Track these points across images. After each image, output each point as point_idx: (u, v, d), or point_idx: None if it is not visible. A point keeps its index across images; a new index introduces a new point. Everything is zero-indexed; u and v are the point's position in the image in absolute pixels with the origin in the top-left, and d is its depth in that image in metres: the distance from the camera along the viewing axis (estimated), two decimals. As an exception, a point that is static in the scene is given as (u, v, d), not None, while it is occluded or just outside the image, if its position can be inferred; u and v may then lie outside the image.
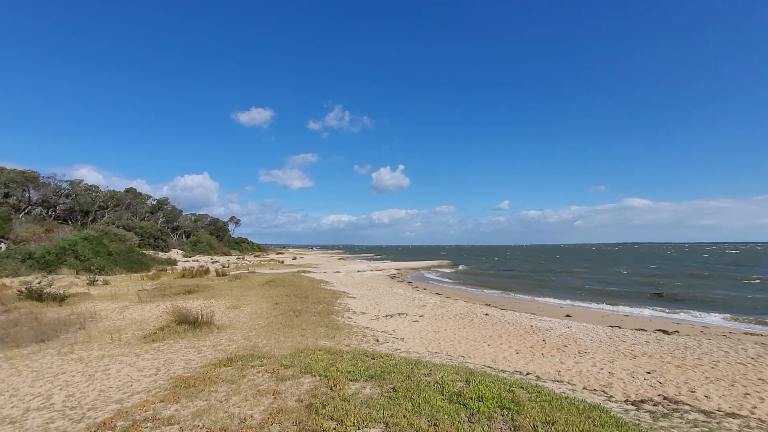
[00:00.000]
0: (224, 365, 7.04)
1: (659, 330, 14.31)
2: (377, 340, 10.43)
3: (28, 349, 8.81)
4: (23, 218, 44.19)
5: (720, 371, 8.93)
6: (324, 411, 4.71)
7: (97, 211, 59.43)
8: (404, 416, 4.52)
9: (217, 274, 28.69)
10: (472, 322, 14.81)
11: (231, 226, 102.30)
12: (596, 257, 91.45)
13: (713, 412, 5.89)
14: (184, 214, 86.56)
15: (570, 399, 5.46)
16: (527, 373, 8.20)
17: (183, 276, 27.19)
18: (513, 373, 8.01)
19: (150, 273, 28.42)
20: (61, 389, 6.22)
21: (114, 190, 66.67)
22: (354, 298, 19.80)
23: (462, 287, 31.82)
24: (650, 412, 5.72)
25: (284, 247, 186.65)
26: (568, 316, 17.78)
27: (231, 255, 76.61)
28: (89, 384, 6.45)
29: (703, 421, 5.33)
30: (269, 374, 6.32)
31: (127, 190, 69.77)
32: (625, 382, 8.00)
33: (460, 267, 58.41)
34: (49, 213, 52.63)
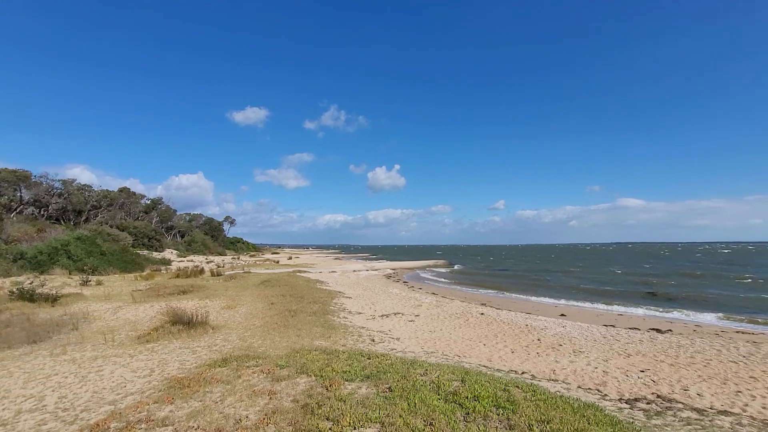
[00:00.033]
0: (219, 366, 7.00)
1: (653, 329, 14.45)
2: (373, 340, 10.43)
3: (20, 351, 8.70)
4: (14, 218, 43.66)
5: (712, 369, 9.03)
6: (320, 411, 4.70)
7: (90, 210, 58.83)
8: (400, 416, 4.52)
9: (212, 274, 28.54)
10: (467, 321, 14.85)
11: (226, 226, 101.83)
12: (591, 257, 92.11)
13: (706, 410, 5.95)
14: (178, 213, 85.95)
15: (565, 398, 5.49)
16: (522, 372, 8.23)
17: (177, 276, 27.00)
18: (508, 372, 8.05)
19: (144, 273, 28.19)
20: (53, 391, 6.16)
21: (107, 190, 66.07)
22: (350, 297, 19.78)
23: (458, 287, 31.90)
24: (644, 410, 5.77)
25: (280, 247, 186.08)
26: (562, 315, 17.89)
27: (226, 255, 76.23)
28: (82, 385, 6.38)
29: (695, 419, 5.38)
30: (265, 374, 6.29)
31: (121, 190, 69.14)
32: (619, 381, 8.06)
33: (456, 267, 58.57)
34: (41, 213, 52.03)
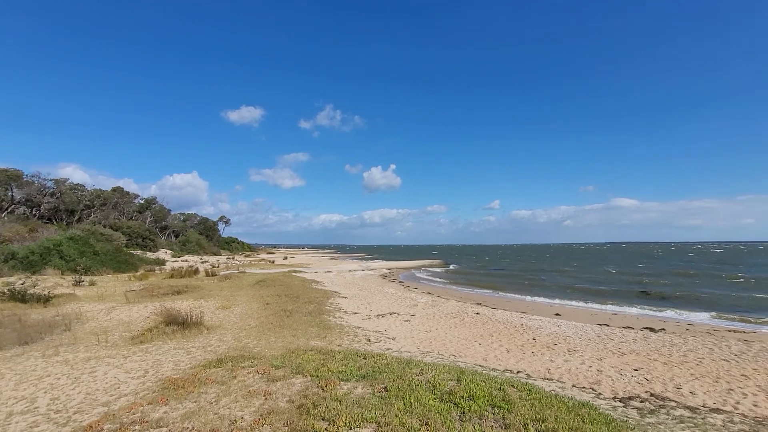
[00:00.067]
0: (214, 366, 6.96)
1: (646, 328, 14.57)
2: (369, 340, 10.42)
3: (11, 352, 8.59)
4: (6, 218, 43.17)
5: (705, 368, 9.13)
6: (315, 411, 4.69)
7: (82, 210, 58.29)
8: (396, 416, 4.52)
9: (207, 275, 28.37)
10: (463, 321, 14.89)
11: (221, 226, 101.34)
12: (585, 256, 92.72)
13: (698, 408, 6.01)
14: (172, 213, 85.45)
15: (559, 397, 5.53)
16: (518, 372, 8.27)
17: (172, 276, 26.81)
18: (504, 371, 8.08)
19: (138, 273, 27.97)
20: (45, 392, 6.09)
21: (100, 189, 65.47)
22: (345, 297, 19.75)
23: (453, 286, 31.97)
24: (638, 408, 5.81)
25: (275, 247, 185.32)
26: (557, 314, 17.99)
27: (221, 255, 75.86)
28: (75, 387, 6.32)
29: (688, 417, 5.43)
30: (260, 375, 6.27)
31: (114, 189, 68.55)
32: (613, 380, 8.12)
33: (452, 266, 58.70)
34: (33, 212, 51.46)
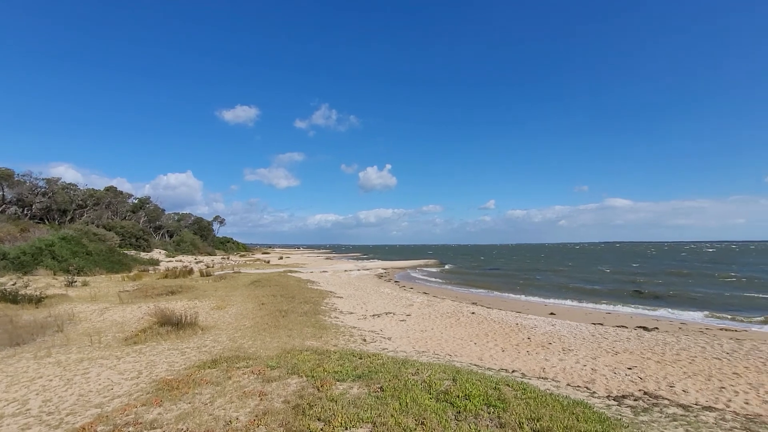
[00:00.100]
0: (209, 367, 6.92)
1: (640, 327, 14.70)
2: (364, 340, 10.42)
3: (3, 353, 8.49)
4: (-3, 217, 42.59)
5: (697, 366, 9.22)
6: (311, 412, 4.68)
7: (75, 210, 57.70)
8: (392, 415, 4.53)
9: (201, 275, 28.21)
10: (458, 320, 14.93)
11: (215, 226, 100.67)
12: (579, 256, 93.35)
13: (691, 406, 6.07)
14: (166, 213, 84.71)
15: (554, 395, 5.56)
16: (513, 371, 8.31)
17: (166, 276, 26.64)
18: (499, 370, 8.11)
19: (131, 273, 27.73)
20: (37, 394, 6.02)
21: (93, 189, 64.79)
22: (341, 297, 19.73)
23: (449, 286, 32.06)
24: (631, 407, 5.86)
25: (270, 247, 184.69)
26: (552, 314, 18.10)
27: (215, 255, 75.43)
28: (67, 388, 6.26)
29: (681, 415, 5.49)
30: (255, 375, 6.24)
31: (107, 189, 67.91)
32: (607, 378, 8.18)
33: (447, 266, 58.84)
34: (25, 212, 50.86)
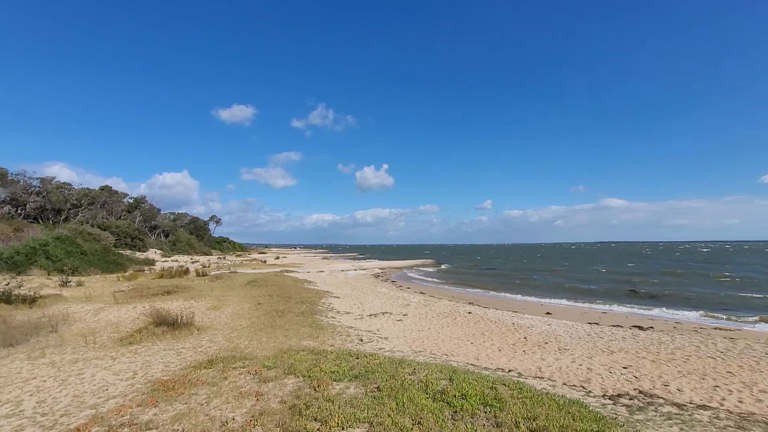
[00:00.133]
0: (205, 367, 6.89)
1: (635, 326, 14.79)
2: (361, 340, 10.41)
3: (-4, 354, 8.41)
4: (-10, 217, 42.21)
5: (692, 365, 9.29)
6: (308, 412, 4.67)
7: (70, 209, 57.29)
8: (388, 415, 4.52)
9: (197, 275, 28.09)
10: (455, 320, 14.96)
11: (212, 225, 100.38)
12: (576, 256, 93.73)
13: (685, 405, 6.11)
14: (162, 212, 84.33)
15: (550, 395, 5.58)
16: (509, 370, 8.33)
17: (161, 276, 26.49)
18: (495, 370, 8.13)
19: (127, 273, 27.58)
20: (31, 395, 5.97)
21: (88, 188, 64.41)
22: (338, 297, 19.71)
23: (445, 286, 32.10)
24: (627, 406, 5.89)
25: (267, 247, 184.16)
26: (548, 313, 18.17)
27: (212, 255, 75.14)
28: (62, 389, 6.21)
29: (676, 414, 5.52)
30: (251, 376, 6.22)
31: (102, 188, 67.49)
32: (602, 377, 8.22)
33: (444, 266, 58.91)
34: (19, 211, 50.44)
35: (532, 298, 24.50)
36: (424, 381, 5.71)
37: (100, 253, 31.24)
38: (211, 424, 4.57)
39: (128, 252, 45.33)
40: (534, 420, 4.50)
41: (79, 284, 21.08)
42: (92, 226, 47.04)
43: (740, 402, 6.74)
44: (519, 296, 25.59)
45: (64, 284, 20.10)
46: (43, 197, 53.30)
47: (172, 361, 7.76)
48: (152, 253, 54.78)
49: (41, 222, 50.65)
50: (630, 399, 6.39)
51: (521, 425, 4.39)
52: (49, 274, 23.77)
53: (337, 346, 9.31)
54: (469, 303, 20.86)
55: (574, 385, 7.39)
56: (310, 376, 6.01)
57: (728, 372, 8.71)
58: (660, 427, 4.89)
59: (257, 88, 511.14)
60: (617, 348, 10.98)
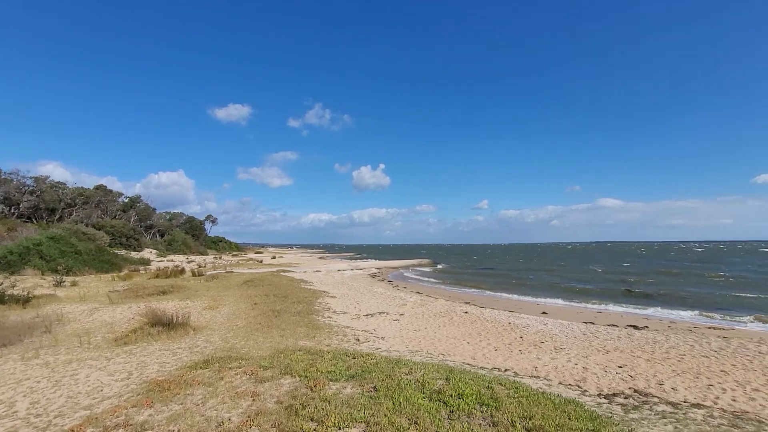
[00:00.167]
0: (201, 368, 6.86)
1: (630, 326, 14.88)
2: (358, 340, 10.41)
3: (-11, 355, 8.34)
4: (-17, 216, 41.81)
5: (686, 364, 9.36)
6: (304, 412, 4.66)
7: (64, 209, 56.84)
8: (385, 415, 4.53)
9: (193, 274, 27.97)
10: (451, 320, 14.98)
11: (207, 225, 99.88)
12: (572, 256, 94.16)
13: (680, 404, 6.16)
14: (158, 212, 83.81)
15: (546, 394, 5.61)
16: (505, 370, 8.36)
17: (157, 276, 26.36)
18: (492, 369, 8.16)
19: (122, 273, 27.40)
20: (25, 396, 5.92)
21: (82, 187, 63.89)
22: (334, 297, 19.69)
23: (442, 286, 32.15)
24: (622, 405, 5.93)
25: (263, 246, 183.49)
26: (544, 313, 18.24)
27: (207, 254, 74.80)
28: (56, 390, 6.16)
29: (670, 413, 5.56)
30: (248, 376, 6.20)
31: (97, 187, 67.02)
32: (598, 377, 8.27)
33: (440, 266, 58.98)
34: (12, 211, 49.99)
35: (529, 298, 24.58)
36: (421, 381, 5.72)
37: (95, 253, 31.03)
38: (207, 424, 4.55)
39: (123, 252, 45.04)
40: (530, 419, 4.51)
41: (74, 284, 20.93)
42: (87, 225, 46.68)
43: (734, 400, 6.80)
44: (515, 296, 25.67)
45: (59, 284, 19.95)
46: (37, 196, 52.86)
47: (168, 361, 7.72)
48: (148, 253, 54.45)
49: (35, 221, 50.22)
50: (625, 398, 6.43)
51: (517, 424, 4.40)
52: (43, 274, 23.59)
53: (334, 346, 9.30)
54: (466, 303, 20.90)
55: (569, 385, 7.43)
56: (306, 376, 6.00)
57: (722, 371, 8.79)
58: (655, 426, 4.93)
59: (254, 88, 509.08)
60: (612, 347, 11.05)
